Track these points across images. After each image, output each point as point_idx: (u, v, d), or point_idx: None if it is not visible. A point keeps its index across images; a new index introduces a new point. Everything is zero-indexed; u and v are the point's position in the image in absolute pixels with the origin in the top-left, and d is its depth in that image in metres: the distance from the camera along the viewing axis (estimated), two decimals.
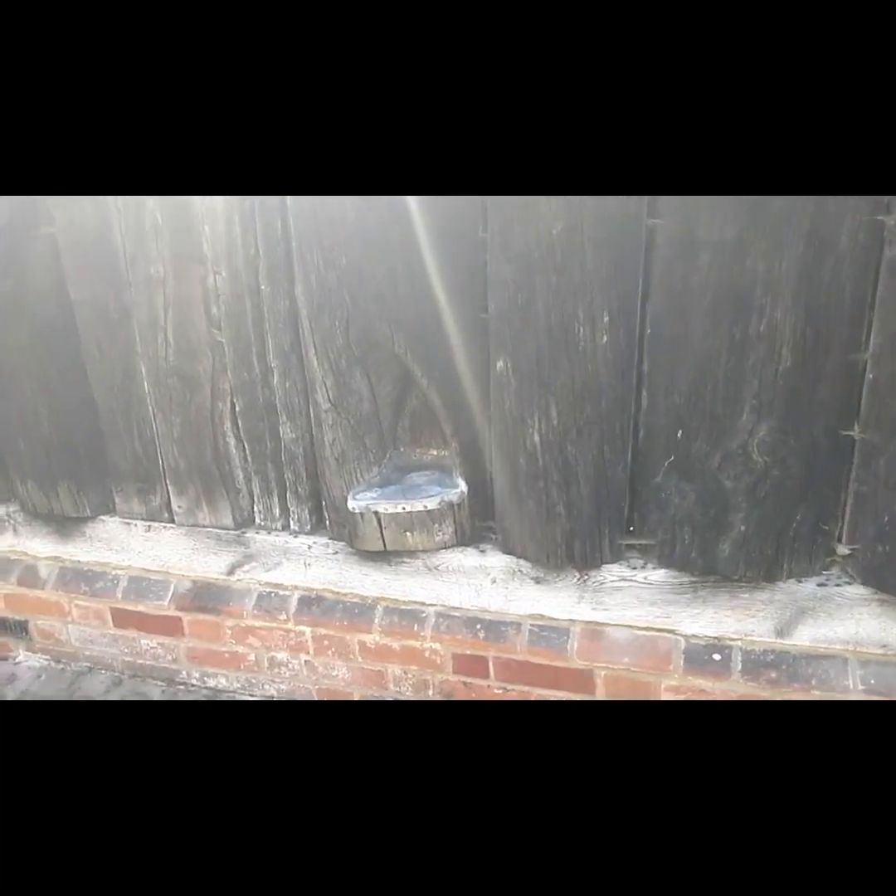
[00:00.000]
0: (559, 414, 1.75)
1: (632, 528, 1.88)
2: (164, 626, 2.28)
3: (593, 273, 1.61)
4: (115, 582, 2.33)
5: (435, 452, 2.04)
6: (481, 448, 1.94)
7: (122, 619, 2.32)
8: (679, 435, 1.72)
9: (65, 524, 2.34)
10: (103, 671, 2.43)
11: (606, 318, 1.65)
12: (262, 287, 1.89)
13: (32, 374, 2.14)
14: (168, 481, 2.19)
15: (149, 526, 2.27)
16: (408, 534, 1.99)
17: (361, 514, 1.98)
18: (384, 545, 2.01)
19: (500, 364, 1.78)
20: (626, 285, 1.63)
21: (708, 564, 1.79)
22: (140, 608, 2.29)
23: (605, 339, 1.67)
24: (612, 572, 1.88)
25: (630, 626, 1.90)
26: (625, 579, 1.88)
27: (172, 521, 2.24)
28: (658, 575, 1.85)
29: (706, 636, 1.85)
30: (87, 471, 2.25)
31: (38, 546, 2.40)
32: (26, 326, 2.09)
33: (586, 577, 1.91)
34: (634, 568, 1.87)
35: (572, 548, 1.86)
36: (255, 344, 1.97)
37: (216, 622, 2.22)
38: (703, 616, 1.85)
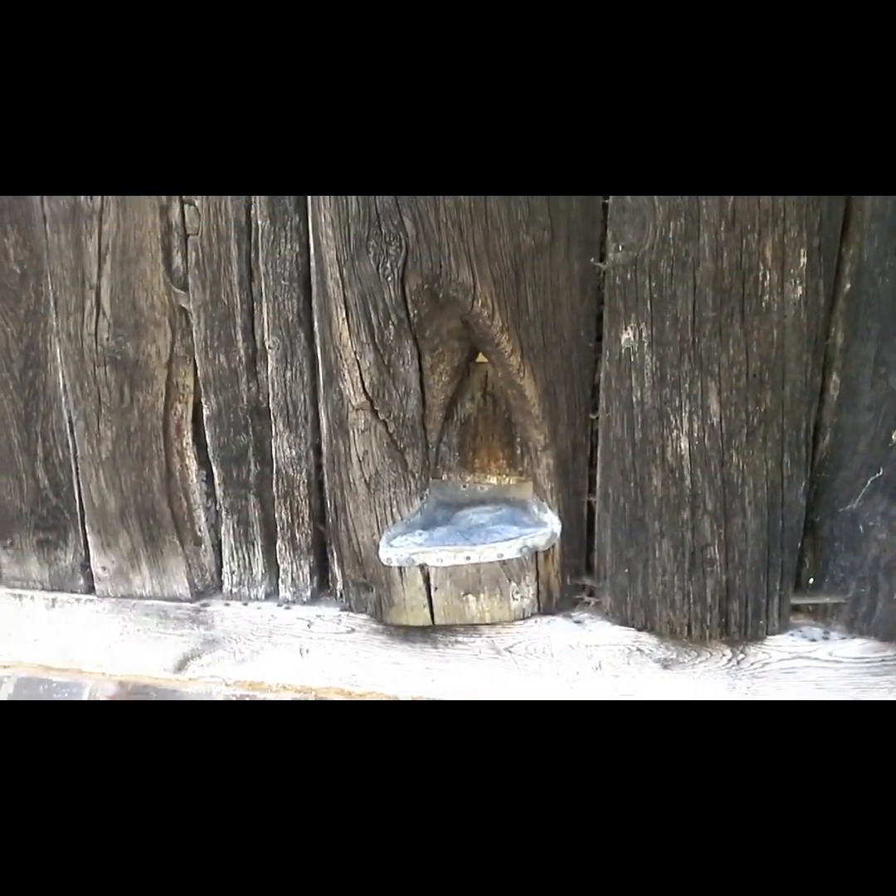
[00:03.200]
0: (723, 407, 1.18)
1: (811, 581, 1.29)
2: None
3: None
4: None
5: (494, 480, 1.41)
6: (579, 469, 1.34)
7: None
8: (894, 437, 1.18)
9: None
10: None
11: (804, 259, 1.11)
12: (258, 222, 1.26)
13: None
14: (87, 528, 1.45)
15: (53, 599, 1.50)
16: (469, 597, 1.33)
17: (401, 568, 1.31)
18: (432, 616, 1.34)
19: (627, 336, 1.20)
20: (832, 207, 1.11)
21: None
22: None
23: (800, 290, 1.13)
24: (780, 648, 1.29)
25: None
26: (800, 657, 1.28)
27: (91, 590, 1.49)
28: (849, 648, 1.27)
29: None
30: None
31: None
32: None
33: (741, 656, 1.30)
34: (813, 640, 1.28)
35: (727, 612, 1.26)
36: (239, 313, 1.31)
37: None
38: None
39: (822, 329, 1.17)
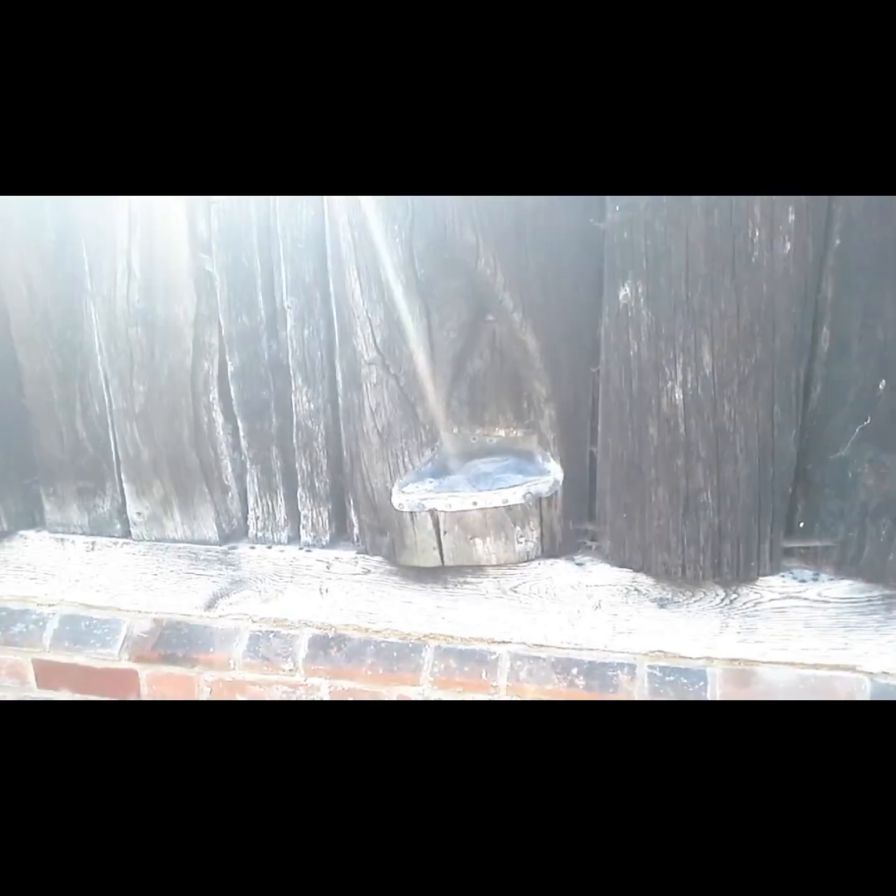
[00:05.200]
0: (715, 358, 1.23)
1: (802, 525, 1.36)
2: (112, 683, 1.62)
3: None
4: (41, 623, 1.66)
5: (502, 433, 1.49)
6: (581, 420, 1.41)
7: (51, 675, 1.65)
8: (881, 387, 1.23)
9: None
10: None
11: (792, 217, 1.16)
12: None
13: None
14: (123, 477, 1.56)
15: (92, 543, 1.62)
16: (477, 541, 1.42)
17: (412, 513, 1.40)
18: (442, 558, 1.44)
19: (624, 292, 1.25)
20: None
21: None
22: (77, 660, 1.63)
23: (788, 246, 1.17)
24: (771, 588, 1.36)
25: (792, 664, 1.37)
26: (790, 597, 1.35)
27: (128, 534, 1.60)
28: (837, 589, 1.34)
29: None
30: (3, 467, 1.61)
31: None
32: None
33: (734, 596, 1.37)
34: (802, 581, 1.35)
35: (720, 554, 1.33)
36: (260, 275, 1.40)
37: (189, 677, 1.58)
38: None
39: (811, 283, 1.22)
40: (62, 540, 1.63)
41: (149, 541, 1.59)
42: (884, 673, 1.34)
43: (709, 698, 1.37)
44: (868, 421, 1.26)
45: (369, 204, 1.24)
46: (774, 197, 1.15)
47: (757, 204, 1.15)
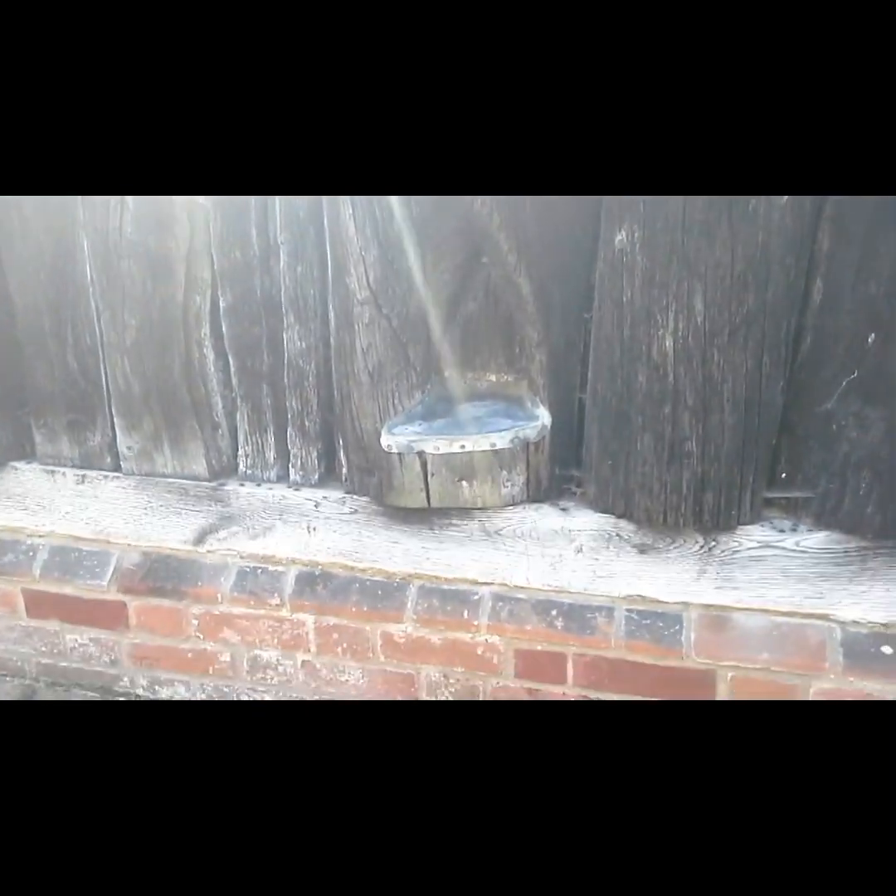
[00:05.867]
0: (707, 307, 1.24)
1: (784, 476, 1.38)
2: (100, 614, 1.65)
3: None
4: (31, 554, 1.68)
5: (493, 378, 1.49)
6: (571, 367, 1.42)
7: (40, 605, 1.68)
8: (870, 341, 1.24)
9: None
10: (10, 678, 1.77)
11: None
12: None
13: None
14: (114, 411, 1.56)
15: (83, 475, 1.63)
16: (463, 484, 1.44)
17: (400, 454, 1.41)
18: (428, 500, 1.45)
19: (620, 237, 1.25)
20: None
21: (889, 523, 1.31)
22: (66, 590, 1.65)
23: (785, 196, 1.17)
24: (750, 537, 1.38)
25: (767, 611, 1.40)
26: (768, 546, 1.38)
27: (118, 468, 1.62)
28: (815, 540, 1.36)
29: (871, 623, 1.37)
30: None
31: None
32: None
33: (713, 544, 1.40)
34: (781, 531, 1.38)
35: (701, 502, 1.35)
36: (254, 209, 1.38)
37: (176, 609, 1.61)
38: (869, 595, 1.36)
39: (808, 233, 1.22)
40: (52, 472, 1.64)
41: (139, 475, 1.60)
42: (854, 622, 1.38)
43: (683, 641, 1.40)
44: (855, 374, 1.27)
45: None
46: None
47: None
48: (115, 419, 1.57)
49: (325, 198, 1.32)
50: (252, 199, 1.37)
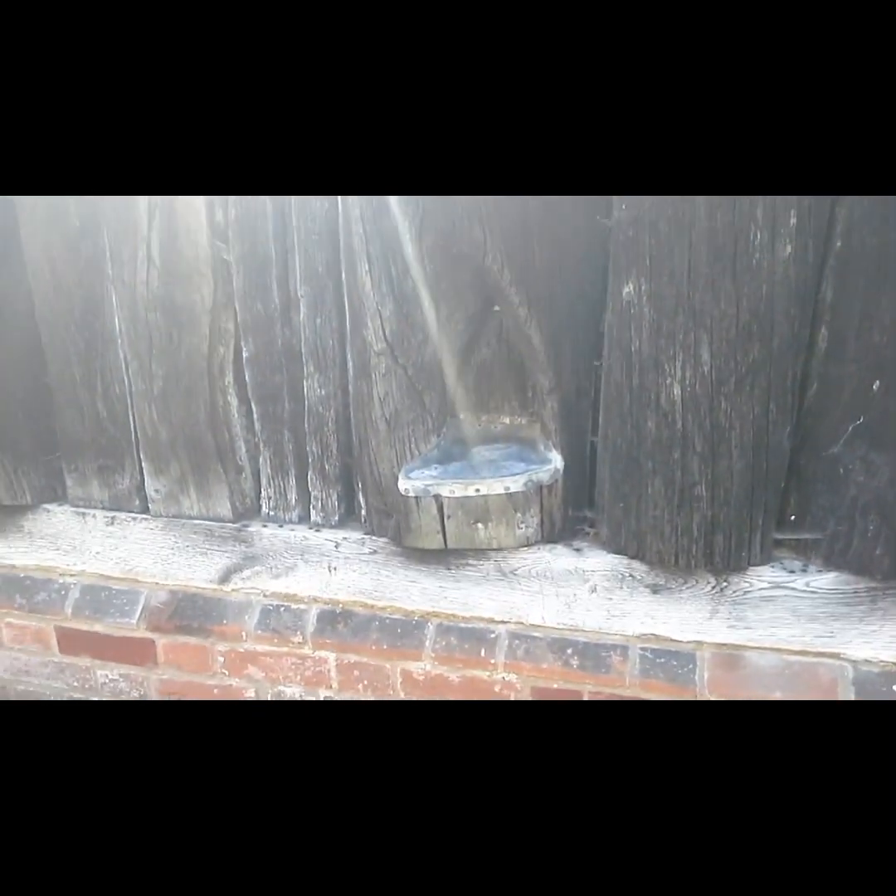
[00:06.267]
0: (713, 357, 1.27)
1: (793, 518, 1.41)
2: (130, 651, 1.70)
3: None
4: (63, 593, 1.74)
5: (507, 420, 1.54)
6: (582, 411, 1.45)
7: (72, 642, 1.73)
8: (875, 388, 1.26)
9: None
10: None
11: (793, 220, 1.19)
12: None
13: None
14: (142, 456, 1.62)
15: (112, 517, 1.69)
16: (479, 525, 1.48)
17: (417, 498, 1.46)
18: (445, 541, 1.50)
19: (628, 289, 1.29)
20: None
21: None
22: (97, 628, 1.71)
23: (788, 249, 1.21)
24: (761, 578, 1.41)
25: (779, 650, 1.43)
26: (779, 586, 1.40)
27: (146, 510, 1.68)
28: (825, 580, 1.39)
29: (883, 662, 1.39)
30: (26, 442, 1.67)
31: None
32: None
33: (724, 584, 1.42)
34: (792, 572, 1.40)
35: (712, 544, 1.38)
36: (275, 264, 1.44)
37: (203, 647, 1.66)
38: (880, 634, 1.38)
39: (811, 285, 1.25)
40: (83, 514, 1.70)
41: (166, 517, 1.66)
42: (866, 661, 1.40)
43: (697, 680, 1.43)
44: (861, 420, 1.29)
45: (382, 199, 1.27)
46: (776, 199, 1.18)
47: (759, 206, 1.18)
48: (143, 464, 1.63)
49: (343, 256, 1.38)
50: (273, 256, 1.43)
